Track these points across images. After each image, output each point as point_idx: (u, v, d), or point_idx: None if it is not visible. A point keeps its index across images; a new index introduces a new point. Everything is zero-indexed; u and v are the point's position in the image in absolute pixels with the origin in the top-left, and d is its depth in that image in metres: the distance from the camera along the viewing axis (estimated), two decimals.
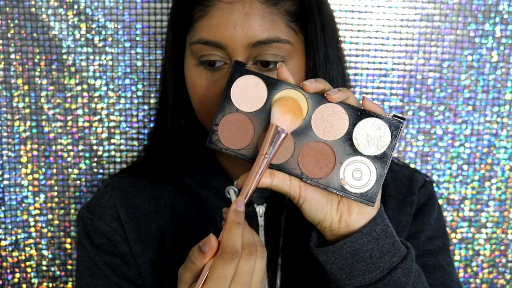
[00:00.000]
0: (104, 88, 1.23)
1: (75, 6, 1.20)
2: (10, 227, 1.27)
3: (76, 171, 1.26)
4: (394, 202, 1.02)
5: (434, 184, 1.09)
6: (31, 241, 1.28)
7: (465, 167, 1.29)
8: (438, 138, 1.28)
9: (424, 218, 1.02)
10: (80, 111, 1.24)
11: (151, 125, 1.24)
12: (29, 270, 1.29)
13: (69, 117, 1.24)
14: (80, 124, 1.24)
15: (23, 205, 1.26)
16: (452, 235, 1.31)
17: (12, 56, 1.21)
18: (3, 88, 1.22)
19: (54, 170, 1.26)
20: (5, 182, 1.25)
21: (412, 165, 1.27)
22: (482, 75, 1.25)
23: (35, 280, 1.29)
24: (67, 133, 1.24)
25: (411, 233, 1.01)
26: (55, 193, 1.26)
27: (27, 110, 1.23)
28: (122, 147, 1.26)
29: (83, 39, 1.21)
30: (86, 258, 1.00)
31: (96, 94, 1.23)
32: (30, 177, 1.26)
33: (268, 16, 0.87)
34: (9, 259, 1.28)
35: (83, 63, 1.22)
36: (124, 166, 1.26)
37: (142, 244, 0.99)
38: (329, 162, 0.78)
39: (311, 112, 0.78)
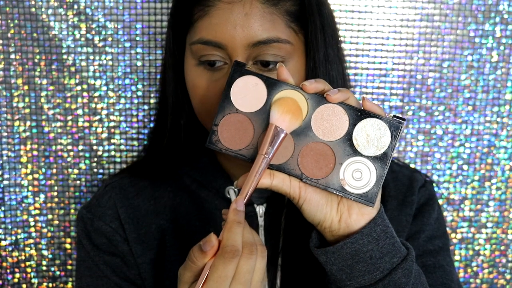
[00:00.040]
0: (104, 88, 1.23)
1: (75, 6, 1.20)
2: (10, 227, 1.27)
3: (76, 171, 1.26)
4: (394, 202, 1.02)
5: (434, 184, 1.09)
6: (31, 241, 1.28)
7: (465, 167, 1.29)
8: (438, 138, 1.28)
9: (424, 218, 1.02)
10: (80, 111, 1.24)
11: (151, 125, 1.24)
12: (29, 270, 1.29)
13: (69, 117, 1.24)
14: (80, 124, 1.24)
15: (23, 205, 1.26)
16: (452, 235, 1.31)
17: (12, 56, 1.21)
18: (3, 88, 1.22)
19: (54, 170, 1.26)
20: (5, 182, 1.25)
21: (412, 165, 1.27)
22: (482, 75, 1.25)
23: (35, 280, 1.29)
24: (67, 133, 1.24)
25: (411, 233, 1.01)
26: (55, 193, 1.27)
27: (27, 110, 1.23)
28: (122, 147, 1.26)
29: (83, 39, 1.21)
30: (86, 258, 1.00)
31: (96, 94, 1.23)
32: (30, 177, 1.26)
33: (268, 16, 0.87)
34: (9, 259, 1.28)
35: (83, 63, 1.22)
36: (124, 166, 1.26)
37: (142, 244, 0.99)
38: (329, 162, 0.78)
39: (311, 113, 0.78)
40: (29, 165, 1.25)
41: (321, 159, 0.78)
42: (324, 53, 0.93)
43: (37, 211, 1.27)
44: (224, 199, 0.99)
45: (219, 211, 0.98)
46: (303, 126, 0.78)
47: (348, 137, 0.78)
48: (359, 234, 0.78)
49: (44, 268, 1.29)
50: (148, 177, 1.03)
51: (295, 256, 0.96)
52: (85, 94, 1.23)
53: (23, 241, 1.27)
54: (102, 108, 1.24)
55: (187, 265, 0.73)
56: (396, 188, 1.03)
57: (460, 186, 1.30)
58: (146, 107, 1.25)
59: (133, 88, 1.24)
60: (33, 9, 1.19)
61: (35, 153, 1.25)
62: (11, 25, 1.20)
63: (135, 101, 1.24)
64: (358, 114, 0.78)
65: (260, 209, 0.98)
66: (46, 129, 1.24)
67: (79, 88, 1.23)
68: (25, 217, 1.27)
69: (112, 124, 1.25)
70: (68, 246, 1.28)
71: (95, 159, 1.26)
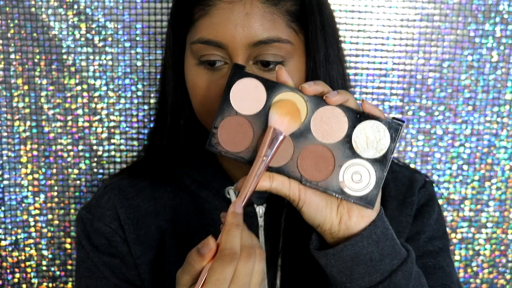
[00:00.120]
0: (104, 88, 1.23)
1: (75, 6, 1.20)
2: (10, 227, 1.27)
3: (76, 171, 1.26)
4: (394, 203, 1.02)
5: (434, 184, 1.09)
6: (31, 241, 1.28)
7: (465, 167, 1.29)
8: (438, 138, 1.28)
9: (424, 218, 1.02)
10: (80, 111, 1.24)
11: (151, 125, 1.24)
12: (29, 270, 1.29)
13: (69, 117, 1.24)
14: (80, 124, 1.24)
15: (23, 205, 1.27)
16: (452, 235, 1.31)
17: (12, 56, 1.21)
18: (3, 88, 1.22)
19: (54, 170, 1.26)
20: (5, 182, 1.25)
21: (412, 165, 1.27)
22: (482, 75, 1.25)
23: (35, 280, 1.29)
24: (67, 133, 1.24)
25: (411, 234, 1.01)
26: (55, 193, 1.27)
27: (27, 110, 1.23)
28: (122, 147, 1.26)
29: (83, 39, 1.21)
30: (85, 259, 1.00)
31: (96, 94, 1.23)
32: (30, 177, 1.26)
33: (269, 16, 0.87)
34: (9, 259, 1.28)
35: (83, 63, 1.22)
36: (124, 166, 1.26)
37: (142, 245, 0.99)
38: (328, 165, 0.78)
39: (310, 115, 0.78)
40: (29, 165, 1.25)
41: (320, 162, 0.78)
42: (325, 53, 0.93)
43: (37, 211, 1.27)
44: (224, 199, 0.99)
45: (219, 211, 0.97)
46: (303, 129, 0.78)
47: (348, 139, 0.78)
48: (359, 236, 0.78)
49: (44, 268, 1.29)
50: (147, 177, 1.03)
51: (295, 256, 0.96)
52: (85, 94, 1.23)
53: (23, 241, 1.28)
54: (102, 108, 1.24)
55: (185, 268, 0.73)
56: (396, 188, 1.03)
57: (460, 186, 1.30)
58: (146, 107, 1.24)
59: (133, 88, 1.24)
60: (33, 9, 1.19)
61: (35, 153, 1.25)
62: (11, 25, 1.20)
63: (135, 101, 1.24)
64: (357, 116, 0.77)
65: (260, 210, 0.98)
66: (46, 129, 1.24)
67: (79, 88, 1.23)
68: (25, 217, 1.27)
69: (112, 124, 1.25)
70: (68, 246, 1.28)
71: (95, 159, 1.26)
